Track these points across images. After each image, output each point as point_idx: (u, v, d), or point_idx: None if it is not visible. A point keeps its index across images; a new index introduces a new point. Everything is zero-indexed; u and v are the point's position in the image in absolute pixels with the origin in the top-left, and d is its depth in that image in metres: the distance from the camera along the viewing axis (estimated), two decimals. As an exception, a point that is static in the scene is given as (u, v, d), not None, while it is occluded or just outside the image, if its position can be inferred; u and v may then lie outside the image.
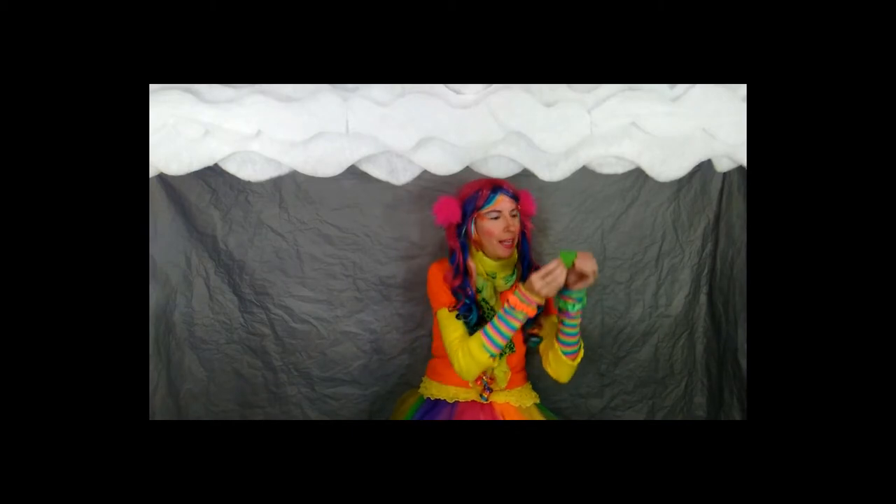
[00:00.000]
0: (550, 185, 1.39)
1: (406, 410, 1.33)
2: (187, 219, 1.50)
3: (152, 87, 0.85)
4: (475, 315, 1.22)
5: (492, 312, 1.23)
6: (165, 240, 1.49)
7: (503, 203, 1.21)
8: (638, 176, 1.55)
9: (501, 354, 1.22)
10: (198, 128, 0.88)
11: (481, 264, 1.25)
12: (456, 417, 1.24)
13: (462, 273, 1.23)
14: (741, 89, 0.89)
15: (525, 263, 1.28)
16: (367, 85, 0.81)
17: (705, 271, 1.64)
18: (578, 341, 1.21)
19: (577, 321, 1.17)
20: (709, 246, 1.63)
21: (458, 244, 1.24)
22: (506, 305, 1.12)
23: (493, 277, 1.25)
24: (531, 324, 1.25)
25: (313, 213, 1.53)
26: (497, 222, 1.21)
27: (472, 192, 1.24)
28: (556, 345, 1.21)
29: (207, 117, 0.87)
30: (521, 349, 1.30)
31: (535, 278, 1.08)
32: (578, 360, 1.24)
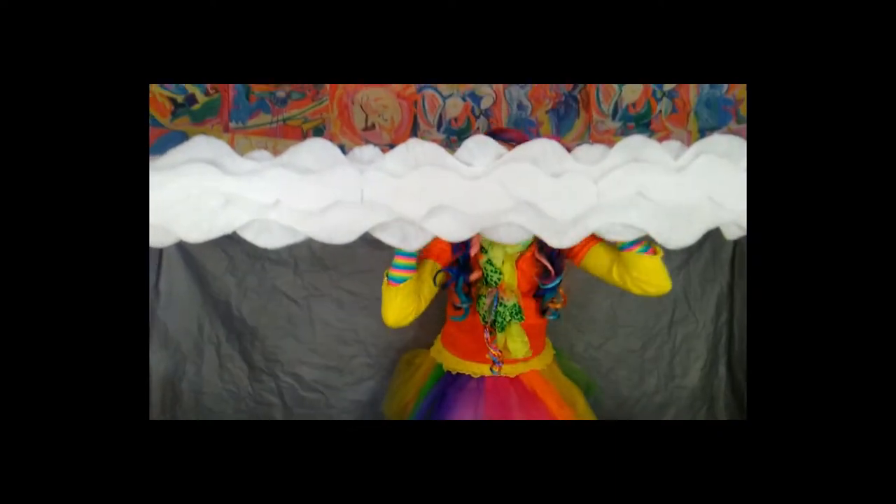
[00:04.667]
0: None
1: (422, 381, 1.21)
2: (203, 286, 1.53)
3: (177, 159, 0.90)
4: (462, 280, 1.12)
5: (496, 275, 1.12)
6: (180, 307, 1.51)
7: None
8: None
9: (496, 322, 1.11)
10: (219, 198, 0.92)
11: None
12: (486, 393, 1.13)
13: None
14: (742, 161, 0.92)
15: None
16: (382, 157, 0.85)
17: (722, 341, 1.61)
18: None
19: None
20: (724, 315, 1.61)
21: None
22: None
23: None
24: (549, 296, 1.13)
25: (327, 279, 1.55)
26: None
27: None
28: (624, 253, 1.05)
29: (229, 188, 0.91)
30: (541, 321, 1.19)
31: None
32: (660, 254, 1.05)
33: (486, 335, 1.12)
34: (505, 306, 1.11)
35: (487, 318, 1.12)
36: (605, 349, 1.60)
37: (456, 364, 1.20)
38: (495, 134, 1.14)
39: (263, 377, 1.55)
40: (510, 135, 1.14)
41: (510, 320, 1.12)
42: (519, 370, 1.18)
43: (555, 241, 0.96)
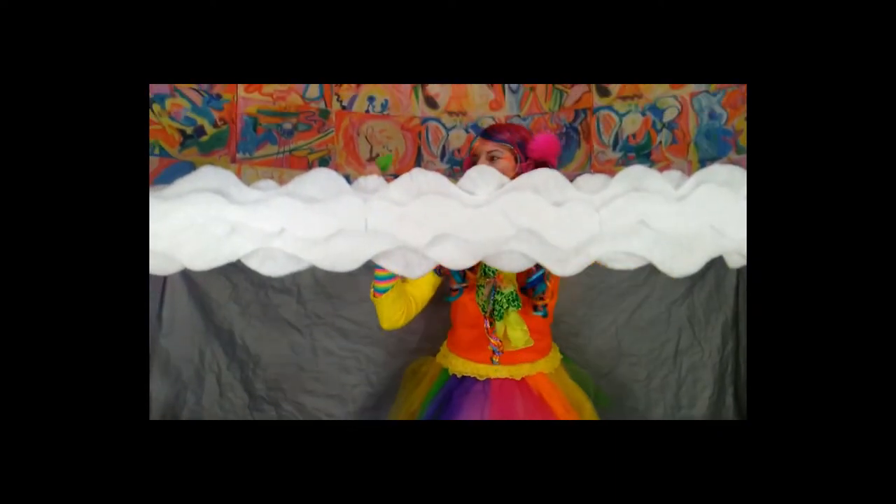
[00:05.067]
0: (562, 280, 1.41)
1: (428, 387, 1.21)
2: (205, 313, 1.52)
3: (183, 189, 0.91)
4: (457, 275, 1.16)
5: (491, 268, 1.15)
6: (181, 335, 1.50)
7: (480, 146, 1.13)
8: (650, 271, 1.56)
9: (493, 312, 1.12)
10: (225, 226, 0.93)
11: None
12: (492, 395, 1.13)
13: None
14: (743, 190, 0.93)
15: None
16: (386, 187, 0.87)
17: (728, 370, 1.59)
18: None
19: None
20: (730, 344, 1.59)
21: None
22: None
23: None
24: (539, 290, 1.14)
25: (330, 308, 1.55)
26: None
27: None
28: None
29: (235, 216, 0.92)
30: (542, 318, 1.19)
31: None
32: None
33: (486, 325, 1.13)
34: (502, 294, 1.12)
35: (486, 308, 1.13)
36: (610, 378, 1.58)
37: (461, 366, 1.19)
38: (488, 135, 1.17)
39: (264, 406, 1.53)
40: (503, 136, 1.16)
41: (508, 308, 1.12)
42: (524, 372, 1.17)
43: (557, 269, 0.96)
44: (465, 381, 1.17)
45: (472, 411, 1.13)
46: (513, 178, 1.11)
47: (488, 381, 1.15)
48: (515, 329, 1.12)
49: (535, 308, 1.17)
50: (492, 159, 1.14)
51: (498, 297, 1.13)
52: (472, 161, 1.16)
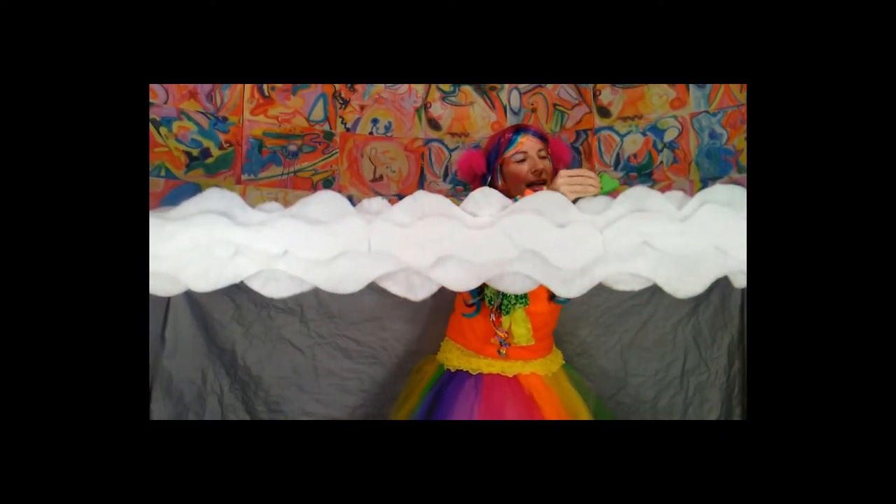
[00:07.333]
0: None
1: (425, 385, 1.21)
2: (209, 334, 1.52)
3: (189, 210, 0.92)
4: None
5: None
6: (184, 356, 1.50)
7: (528, 143, 1.15)
8: (654, 290, 1.55)
9: (501, 306, 1.11)
10: (229, 248, 0.93)
11: None
12: (483, 391, 1.12)
13: None
14: (745, 209, 0.93)
15: None
16: (389, 208, 0.87)
17: (735, 391, 1.58)
18: None
19: None
20: (736, 363, 1.58)
21: None
22: (517, 197, 0.98)
23: None
24: None
25: (333, 328, 1.54)
26: (523, 164, 1.14)
27: (496, 139, 1.18)
28: None
29: (239, 238, 0.92)
30: (547, 309, 1.19)
31: (562, 173, 0.99)
32: None
33: (492, 317, 1.14)
34: None
35: (494, 301, 1.14)
36: (617, 400, 1.56)
37: (457, 359, 1.20)
38: (528, 130, 1.18)
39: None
40: (541, 134, 1.19)
41: (516, 304, 1.13)
42: (517, 369, 1.17)
43: (562, 291, 0.96)
44: (457, 376, 1.17)
45: (463, 407, 1.13)
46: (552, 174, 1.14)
47: (480, 376, 1.16)
48: (520, 326, 1.14)
49: (554, 296, 1.17)
50: (543, 158, 1.16)
51: (508, 293, 1.13)
52: (523, 159, 1.15)
